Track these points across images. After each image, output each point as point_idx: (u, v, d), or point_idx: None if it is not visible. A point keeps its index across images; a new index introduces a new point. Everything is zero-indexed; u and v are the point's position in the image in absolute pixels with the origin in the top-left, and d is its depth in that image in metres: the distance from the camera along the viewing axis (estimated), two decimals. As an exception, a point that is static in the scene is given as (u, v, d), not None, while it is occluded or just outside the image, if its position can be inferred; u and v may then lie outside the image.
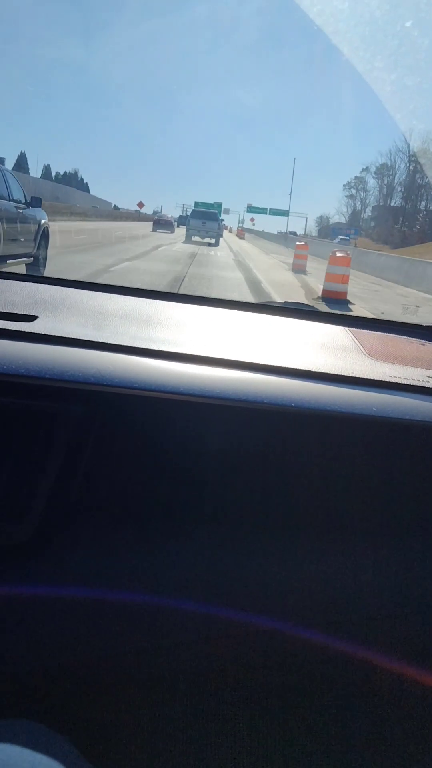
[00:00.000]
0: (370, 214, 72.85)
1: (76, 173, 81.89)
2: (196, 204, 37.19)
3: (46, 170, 77.93)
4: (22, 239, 7.29)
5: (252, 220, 54.74)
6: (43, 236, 8.14)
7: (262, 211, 57.98)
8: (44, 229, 8.16)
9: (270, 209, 57.82)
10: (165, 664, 0.87)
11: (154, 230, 32.40)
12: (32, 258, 7.75)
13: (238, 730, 0.92)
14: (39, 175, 66.58)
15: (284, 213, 58.95)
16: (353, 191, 74.55)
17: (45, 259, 8.29)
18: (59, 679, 0.85)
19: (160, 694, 0.88)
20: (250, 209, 57.58)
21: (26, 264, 7.61)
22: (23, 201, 7.44)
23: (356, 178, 73.42)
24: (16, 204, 7.16)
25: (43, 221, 8.11)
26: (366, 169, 72.95)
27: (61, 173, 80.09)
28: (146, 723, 0.89)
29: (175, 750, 0.90)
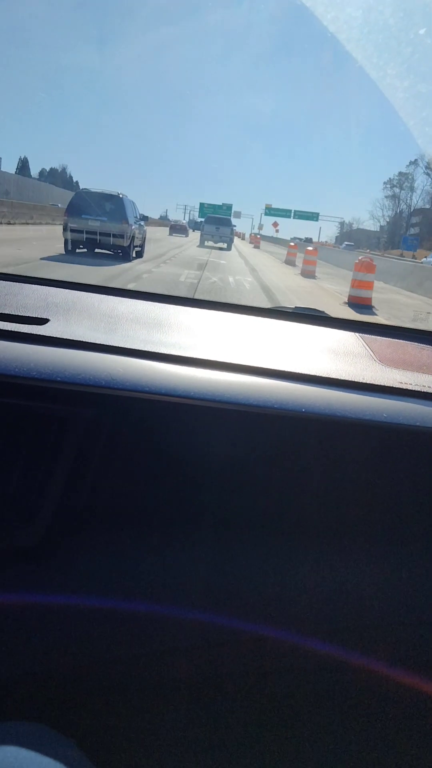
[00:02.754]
0: (413, 219, 59.04)
1: (64, 170, 71.54)
2: (202, 205, 34.99)
3: (23, 164, 67.52)
4: (139, 239, 14.03)
5: (275, 225, 43.11)
6: (145, 237, 14.94)
7: (284, 213, 46.33)
8: (145, 233, 14.99)
9: (295, 211, 46.32)
10: (168, 670, 0.89)
11: (170, 234, 34.94)
12: (141, 247, 14.53)
13: (238, 736, 0.93)
14: (14, 170, 59.66)
15: (312, 216, 47.55)
16: (396, 190, 61.04)
17: (144, 248, 15.05)
18: (65, 683, 0.87)
19: (163, 699, 0.90)
20: (270, 211, 46.30)
21: (137, 251, 14.30)
22: (140, 218, 14.21)
23: (401, 174, 61.42)
24: (137, 219, 13.87)
25: (145, 229, 14.94)
26: (414, 162, 60.83)
27: (47, 169, 70.62)
28: (149, 727, 0.90)
29: (177, 753, 0.92)
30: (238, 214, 44.16)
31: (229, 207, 36.84)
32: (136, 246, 13.90)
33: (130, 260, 12.84)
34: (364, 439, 0.92)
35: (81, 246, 12.54)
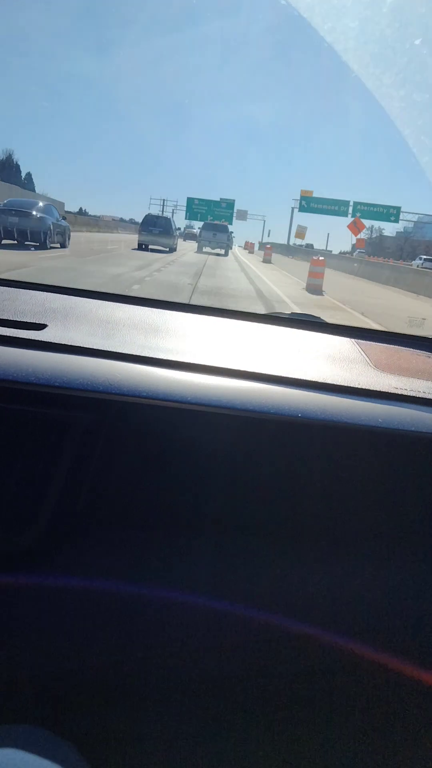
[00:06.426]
0: None
1: (9, 157, 50.29)
2: (190, 201, 29.64)
3: None
4: (177, 241, 23.95)
5: (358, 227, 25.22)
6: (178, 240, 24.80)
7: (336, 209, 26.21)
8: (179, 237, 24.94)
9: (356, 203, 25.75)
10: (168, 674, 0.90)
11: (184, 240, 39.67)
12: (176, 246, 24.35)
13: (238, 740, 0.94)
14: None
15: (390, 215, 26.35)
16: None
17: (177, 246, 24.74)
18: (64, 686, 0.88)
19: (162, 703, 0.91)
20: (309, 203, 26.30)
21: (175, 248, 24.00)
22: (176, 228, 24.17)
23: None
24: (176, 229, 23.73)
25: (179, 236, 24.87)
26: None
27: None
28: (148, 731, 0.92)
29: (176, 757, 0.93)
30: (243, 215, 31.62)
31: (230, 204, 28.43)
32: (174, 246, 23.84)
33: (171, 253, 22.74)
34: (360, 444, 0.93)
35: (144, 246, 22.30)
